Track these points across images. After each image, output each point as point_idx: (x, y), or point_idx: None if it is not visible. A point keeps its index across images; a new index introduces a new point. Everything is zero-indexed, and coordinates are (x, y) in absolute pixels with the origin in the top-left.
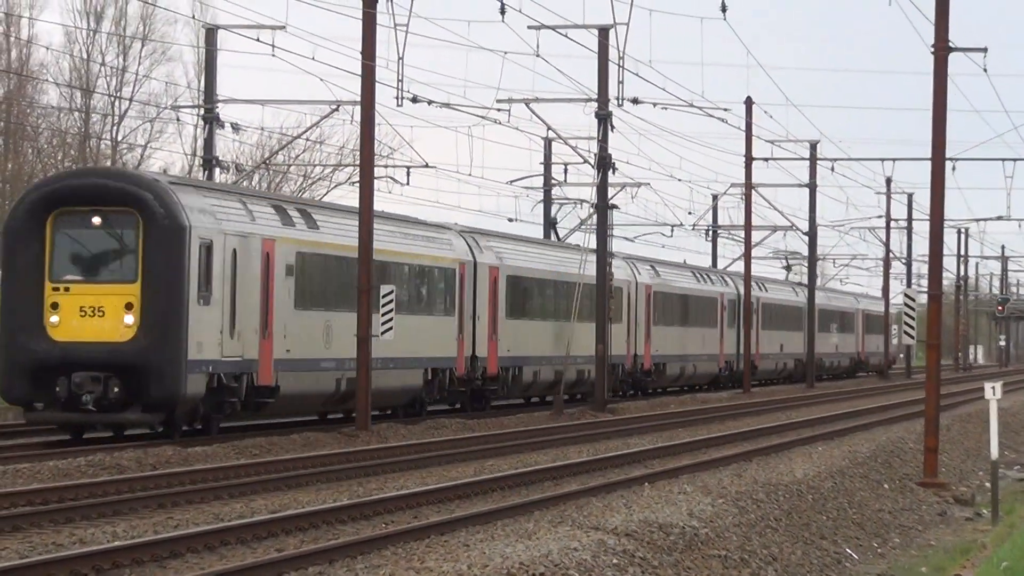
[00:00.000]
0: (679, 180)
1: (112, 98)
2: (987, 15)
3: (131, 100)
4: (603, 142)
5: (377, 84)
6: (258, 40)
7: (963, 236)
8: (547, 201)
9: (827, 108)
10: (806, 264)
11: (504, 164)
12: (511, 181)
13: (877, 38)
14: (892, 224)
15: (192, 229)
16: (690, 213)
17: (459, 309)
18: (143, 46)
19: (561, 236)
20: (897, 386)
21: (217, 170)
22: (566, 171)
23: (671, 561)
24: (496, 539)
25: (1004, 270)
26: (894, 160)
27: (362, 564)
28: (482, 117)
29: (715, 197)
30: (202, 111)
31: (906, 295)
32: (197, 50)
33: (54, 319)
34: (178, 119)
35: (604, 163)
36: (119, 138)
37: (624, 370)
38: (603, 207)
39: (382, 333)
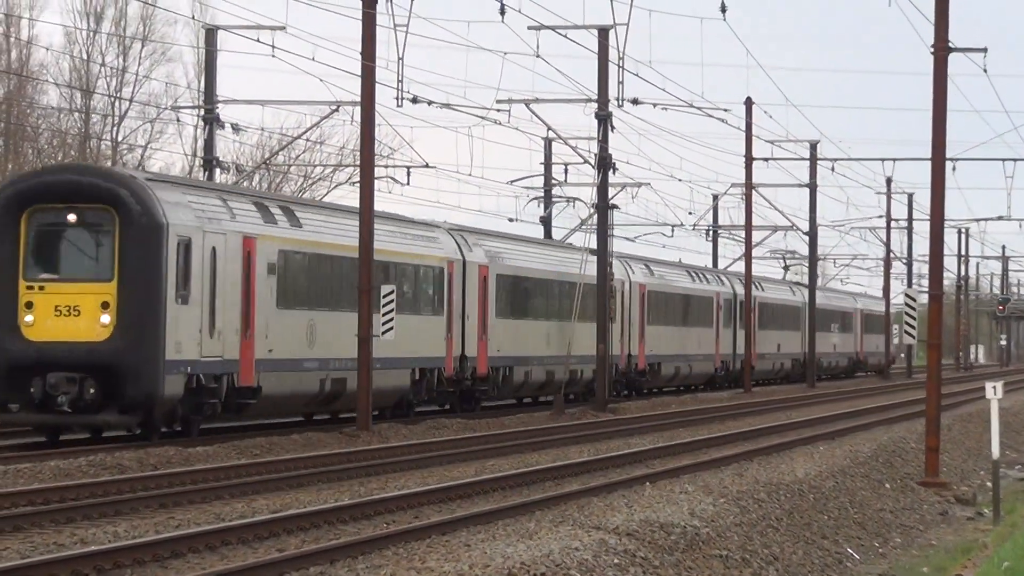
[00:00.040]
0: (679, 180)
1: (112, 98)
2: (987, 15)
3: (131, 101)
4: (603, 142)
5: (377, 84)
6: (258, 41)
7: (964, 236)
8: (547, 201)
9: (827, 108)
10: (806, 264)
11: (504, 164)
12: (511, 181)
13: (877, 38)
14: (892, 224)
15: (170, 226)
16: (690, 213)
17: (447, 308)
18: (143, 47)
19: (559, 236)
20: (898, 386)
21: (217, 170)
22: (566, 171)
23: (672, 561)
24: (497, 539)
25: (1005, 270)
26: (894, 160)
27: (363, 564)
28: (482, 117)
29: (715, 197)
30: (202, 112)
31: (907, 295)
32: (197, 51)
33: (28, 318)
34: (178, 120)
35: (604, 163)
36: (119, 138)
37: (618, 370)
38: (603, 207)
39: (383, 333)
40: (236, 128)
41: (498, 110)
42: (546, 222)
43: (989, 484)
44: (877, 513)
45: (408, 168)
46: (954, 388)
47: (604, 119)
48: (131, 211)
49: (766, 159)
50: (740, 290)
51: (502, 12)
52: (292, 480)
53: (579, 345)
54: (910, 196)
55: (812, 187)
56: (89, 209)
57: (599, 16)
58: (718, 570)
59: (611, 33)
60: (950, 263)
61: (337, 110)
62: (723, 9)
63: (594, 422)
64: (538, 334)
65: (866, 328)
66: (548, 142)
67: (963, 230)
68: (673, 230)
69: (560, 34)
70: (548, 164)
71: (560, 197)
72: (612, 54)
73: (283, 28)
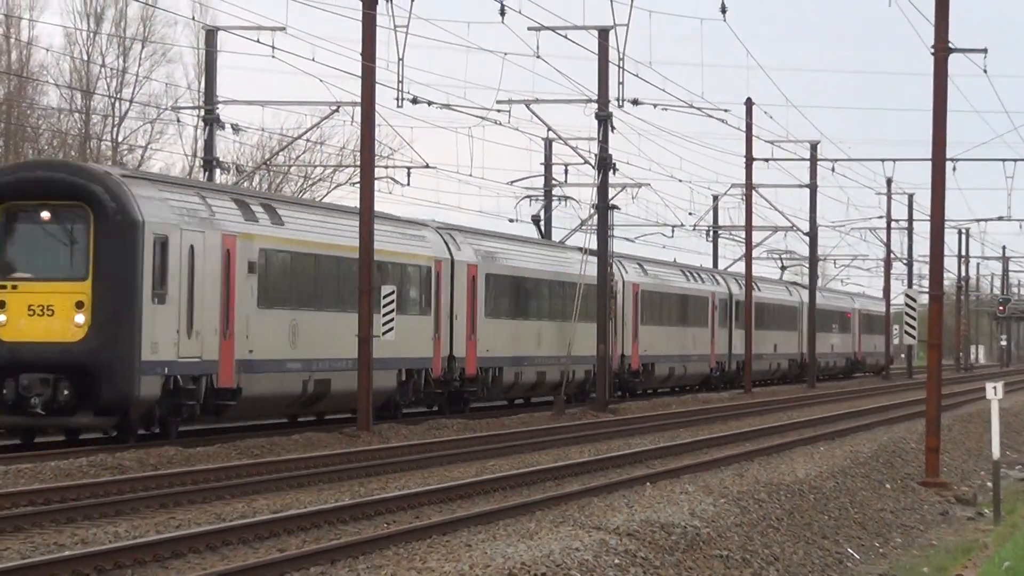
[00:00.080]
0: (679, 181)
1: (112, 99)
2: (987, 15)
3: (131, 101)
4: (603, 143)
5: (377, 85)
6: (258, 41)
7: (964, 236)
8: (548, 201)
9: (827, 108)
10: (806, 264)
11: (504, 165)
12: (512, 182)
13: (877, 38)
14: (893, 224)
15: (146, 224)
16: (691, 214)
17: (435, 308)
18: (143, 47)
19: (559, 236)
20: (898, 386)
21: (218, 171)
22: (566, 172)
23: (673, 561)
24: (498, 539)
25: (1005, 270)
26: (895, 160)
27: (364, 564)
28: (482, 118)
29: (716, 198)
30: (202, 112)
31: (907, 295)
32: (197, 51)
33: (1, 318)
34: (178, 120)
35: (604, 164)
36: (119, 139)
37: (611, 370)
38: (603, 208)
39: (383, 334)
40: (236, 129)
41: (498, 110)
42: (537, 221)
43: (989, 484)
44: (878, 513)
45: (408, 169)
46: (954, 388)
47: (604, 119)
48: (106, 208)
49: (766, 159)
50: (736, 290)
51: (502, 13)
52: (293, 480)
53: (573, 345)
54: (910, 196)
55: (812, 187)
56: (63, 206)
57: (599, 17)
58: (719, 570)
59: (611, 34)
60: (950, 263)
61: (337, 111)
62: (723, 10)
63: (594, 422)
64: (529, 334)
65: (865, 328)
66: (548, 143)
67: (963, 230)
68: (673, 231)
69: (560, 35)
70: (548, 164)
71: (556, 196)
72: (612, 55)
73: (283, 29)
